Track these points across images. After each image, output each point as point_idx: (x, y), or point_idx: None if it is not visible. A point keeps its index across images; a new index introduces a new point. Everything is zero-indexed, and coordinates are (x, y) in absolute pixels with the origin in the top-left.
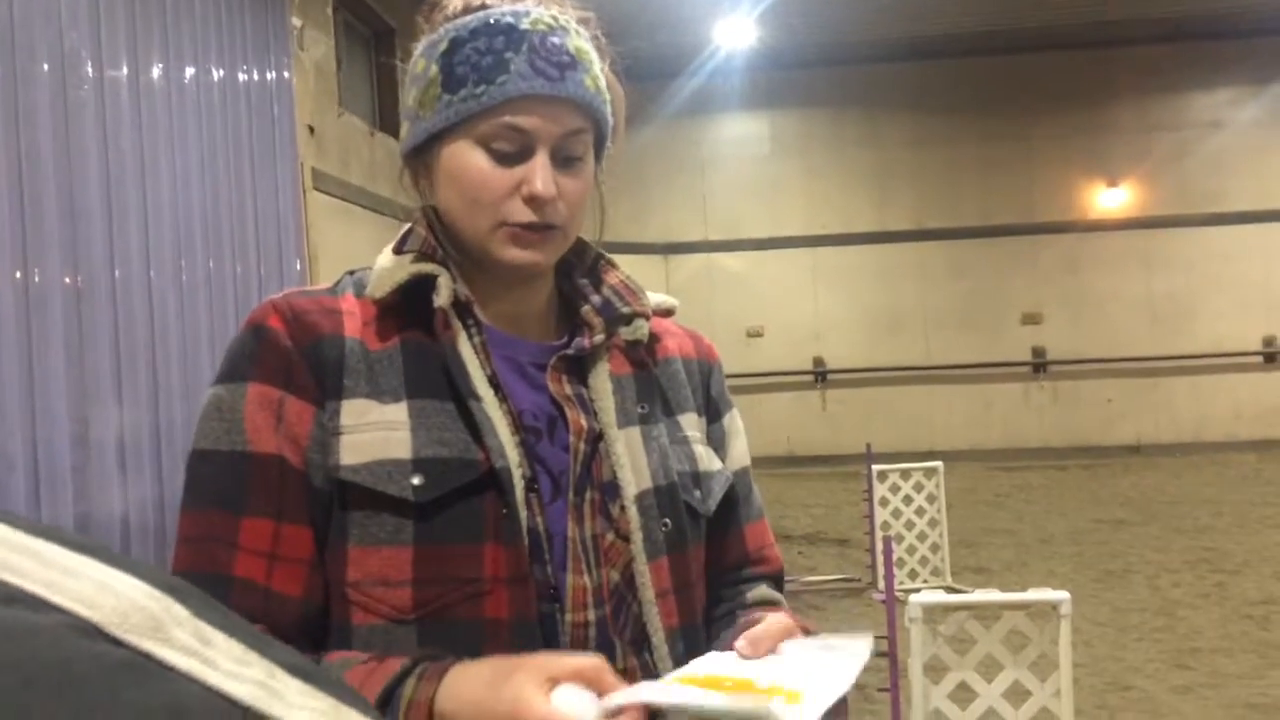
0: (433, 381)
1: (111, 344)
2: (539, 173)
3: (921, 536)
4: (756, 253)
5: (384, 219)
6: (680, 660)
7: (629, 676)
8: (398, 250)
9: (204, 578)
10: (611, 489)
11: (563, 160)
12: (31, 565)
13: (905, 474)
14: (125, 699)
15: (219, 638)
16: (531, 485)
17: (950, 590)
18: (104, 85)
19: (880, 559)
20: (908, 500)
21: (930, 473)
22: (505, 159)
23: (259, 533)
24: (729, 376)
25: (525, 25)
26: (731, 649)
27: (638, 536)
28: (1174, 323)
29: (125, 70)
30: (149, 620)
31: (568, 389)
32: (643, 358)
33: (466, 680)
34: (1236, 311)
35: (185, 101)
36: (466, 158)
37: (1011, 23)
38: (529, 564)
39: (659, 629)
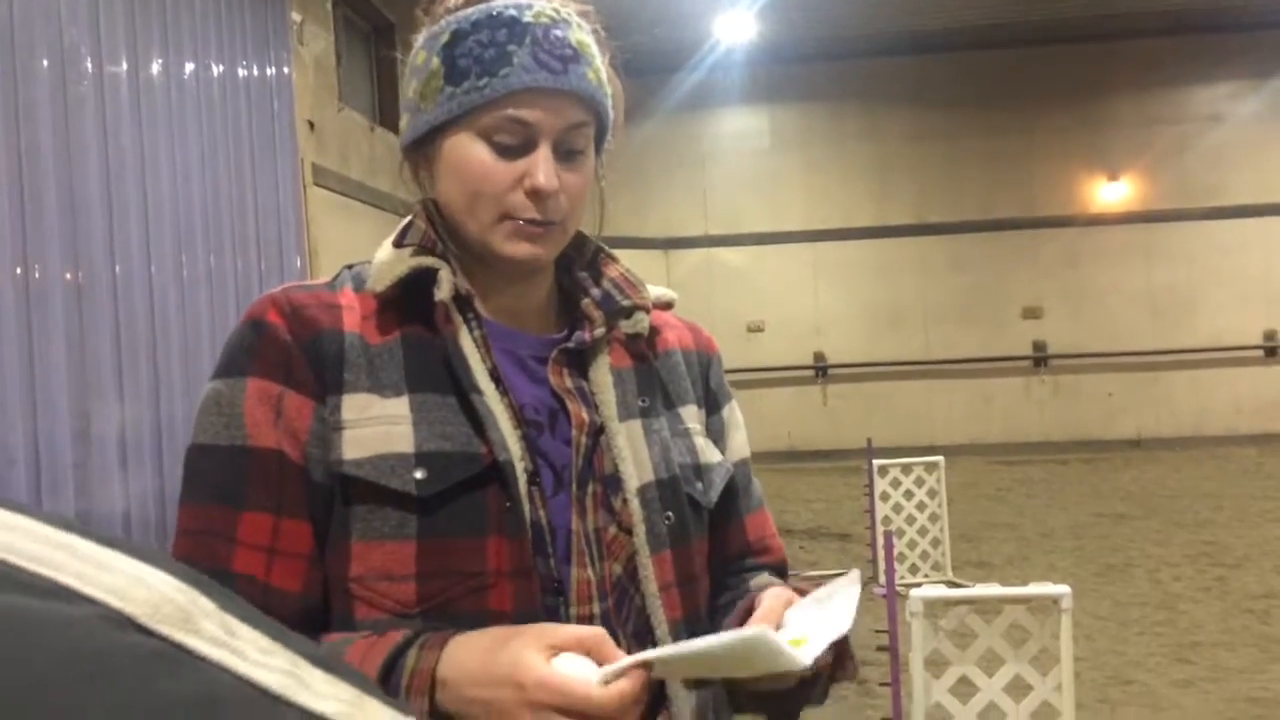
0: (434, 375)
1: (112, 339)
2: (541, 166)
3: (922, 531)
4: (757, 247)
5: (384, 214)
6: None
7: None
8: (398, 244)
9: (203, 572)
10: (613, 482)
11: (564, 153)
12: (64, 558)
13: (906, 469)
14: (160, 688)
15: (244, 629)
16: (534, 479)
17: (951, 585)
18: (104, 81)
19: (881, 554)
20: (908, 495)
21: (931, 467)
22: (507, 152)
23: (258, 527)
24: (730, 371)
25: (528, 18)
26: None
27: (640, 529)
28: (1174, 317)
29: (125, 66)
30: (178, 612)
31: (568, 382)
32: (643, 351)
33: (468, 648)
34: (1237, 305)
35: (185, 97)
36: (468, 150)
37: (1012, 16)
38: (532, 557)
39: (662, 622)
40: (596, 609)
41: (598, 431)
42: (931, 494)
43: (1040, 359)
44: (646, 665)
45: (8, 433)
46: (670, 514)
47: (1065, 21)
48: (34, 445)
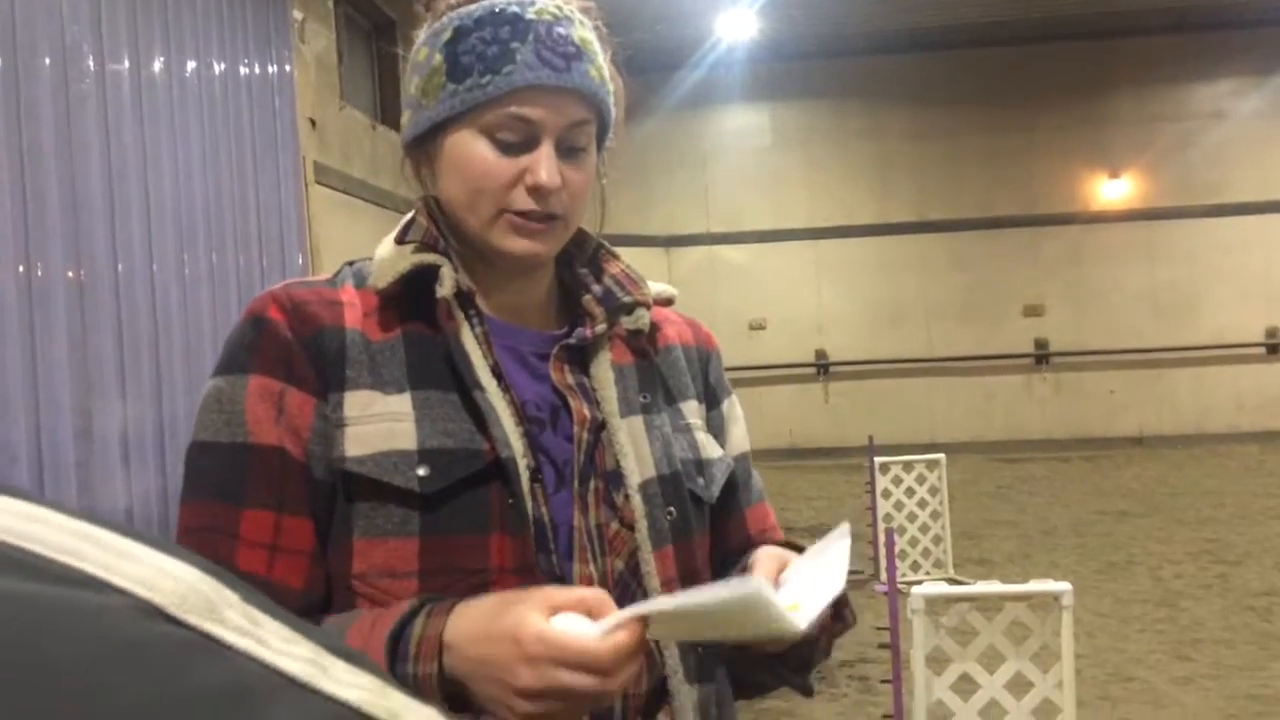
0: (436, 372)
1: (114, 337)
2: (544, 163)
3: (924, 528)
4: (758, 245)
5: (386, 212)
6: (685, 650)
7: None
8: (399, 240)
9: None
10: (615, 478)
11: (566, 151)
12: (90, 549)
13: (907, 466)
14: (193, 678)
15: (266, 619)
16: (536, 475)
17: (952, 582)
18: (105, 79)
19: (883, 551)
20: (910, 492)
21: (932, 465)
22: (509, 149)
23: (260, 524)
24: (731, 369)
25: (531, 15)
26: None
27: (643, 525)
28: (1176, 314)
29: (127, 64)
30: (205, 602)
31: (570, 378)
32: (644, 347)
33: (472, 611)
34: (1238, 303)
35: (187, 95)
36: (470, 147)
37: (1013, 14)
38: (535, 554)
39: None
40: None
41: (599, 427)
42: (933, 491)
43: (1042, 356)
44: (644, 621)
45: (10, 430)
46: (672, 509)
47: (1066, 19)
48: (36, 443)
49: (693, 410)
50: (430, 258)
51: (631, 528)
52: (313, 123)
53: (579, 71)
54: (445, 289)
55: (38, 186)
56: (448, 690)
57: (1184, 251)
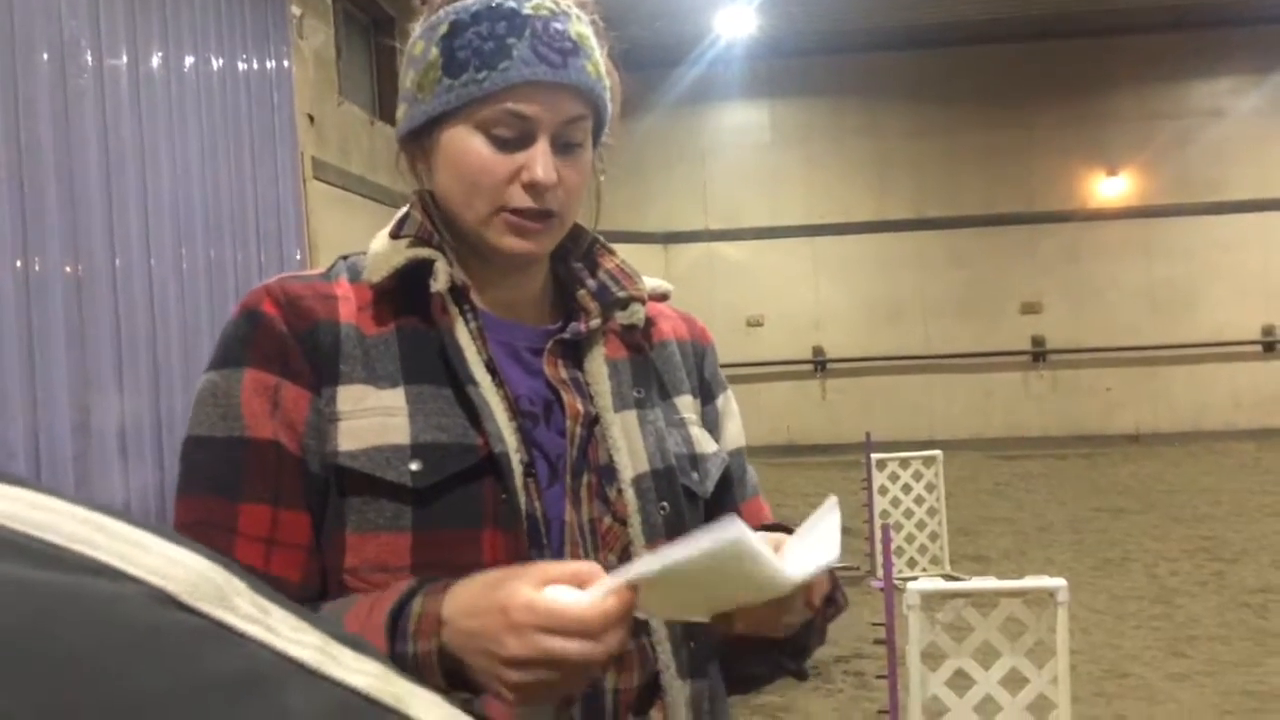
0: (430, 367)
1: (112, 332)
2: (540, 159)
3: (920, 525)
4: (756, 242)
5: (384, 208)
6: (678, 645)
7: (627, 660)
8: (394, 234)
9: None
10: (608, 473)
11: (562, 147)
12: (103, 539)
13: (904, 463)
14: (207, 664)
15: (273, 608)
16: (529, 470)
17: (948, 578)
18: (103, 74)
19: (879, 547)
20: (907, 489)
21: (929, 461)
22: (505, 145)
23: (257, 518)
24: (729, 365)
25: (527, 10)
26: None
27: (635, 520)
28: (1173, 312)
29: (125, 59)
30: (216, 590)
31: (564, 373)
32: (638, 342)
33: (468, 588)
34: (1236, 300)
35: (185, 90)
36: (466, 143)
37: (1011, 11)
38: (527, 549)
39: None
40: None
41: (592, 422)
42: (930, 488)
43: (1039, 354)
44: (634, 589)
45: (7, 425)
46: (665, 504)
47: (1065, 16)
48: (34, 438)
49: (687, 405)
50: (425, 252)
51: (624, 523)
52: (311, 118)
53: (575, 67)
54: (439, 284)
55: (36, 181)
56: (447, 667)
57: (1182, 249)
